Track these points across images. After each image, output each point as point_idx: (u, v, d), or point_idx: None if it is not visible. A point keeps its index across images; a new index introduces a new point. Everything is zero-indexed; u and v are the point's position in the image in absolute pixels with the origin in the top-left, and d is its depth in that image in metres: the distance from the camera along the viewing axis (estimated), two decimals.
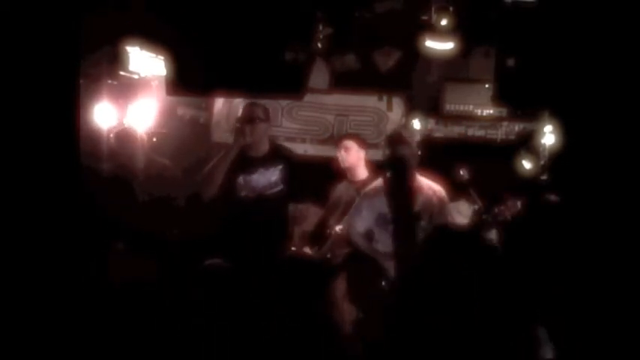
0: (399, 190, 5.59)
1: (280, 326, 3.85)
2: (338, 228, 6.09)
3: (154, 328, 4.12)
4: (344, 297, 6.03)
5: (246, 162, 5.71)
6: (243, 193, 5.71)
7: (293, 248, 6.06)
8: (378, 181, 5.75)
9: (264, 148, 5.79)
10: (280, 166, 5.78)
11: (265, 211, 5.70)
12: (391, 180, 5.63)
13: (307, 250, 6.17)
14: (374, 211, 5.63)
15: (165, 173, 6.22)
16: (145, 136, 6.40)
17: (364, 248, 5.67)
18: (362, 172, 6.33)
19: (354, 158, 6.34)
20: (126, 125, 6.52)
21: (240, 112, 5.77)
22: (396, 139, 5.70)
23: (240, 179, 5.72)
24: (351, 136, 6.69)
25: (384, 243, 5.61)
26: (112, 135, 6.20)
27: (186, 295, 4.21)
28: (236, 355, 3.81)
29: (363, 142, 6.49)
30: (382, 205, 5.61)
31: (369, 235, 5.65)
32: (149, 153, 6.34)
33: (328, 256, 6.11)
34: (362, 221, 5.68)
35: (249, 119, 5.67)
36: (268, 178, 5.75)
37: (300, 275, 4.12)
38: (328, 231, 6.15)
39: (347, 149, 6.35)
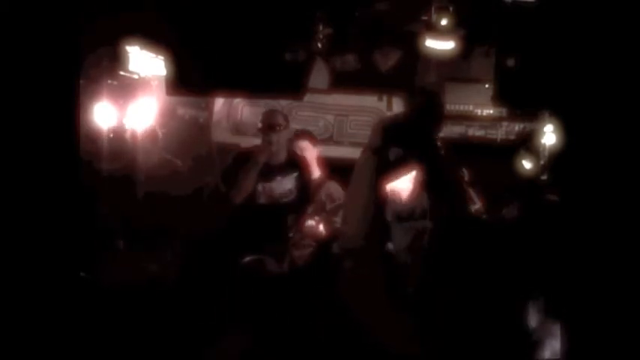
0: None
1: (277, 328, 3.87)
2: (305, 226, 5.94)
3: (161, 328, 4.13)
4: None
5: (265, 169, 5.72)
6: (261, 201, 5.73)
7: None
8: None
9: (282, 155, 5.80)
10: (295, 174, 5.80)
11: (278, 218, 5.71)
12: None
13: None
14: None
15: (174, 174, 6.25)
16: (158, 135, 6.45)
17: None
18: (315, 171, 6.21)
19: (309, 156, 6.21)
20: (148, 125, 6.56)
21: (259, 120, 5.76)
22: None
23: (259, 187, 5.74)
24: (304, 135, 6.50)
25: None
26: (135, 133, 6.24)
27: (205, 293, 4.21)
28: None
29: (315, 140, 6.40)
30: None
31: None
32: (161, 152, 6.38)
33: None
34: None
35: (272, 127, 5.68)
36: (284, 186, 5.78)
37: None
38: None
39: (302, 149, 6.20)
